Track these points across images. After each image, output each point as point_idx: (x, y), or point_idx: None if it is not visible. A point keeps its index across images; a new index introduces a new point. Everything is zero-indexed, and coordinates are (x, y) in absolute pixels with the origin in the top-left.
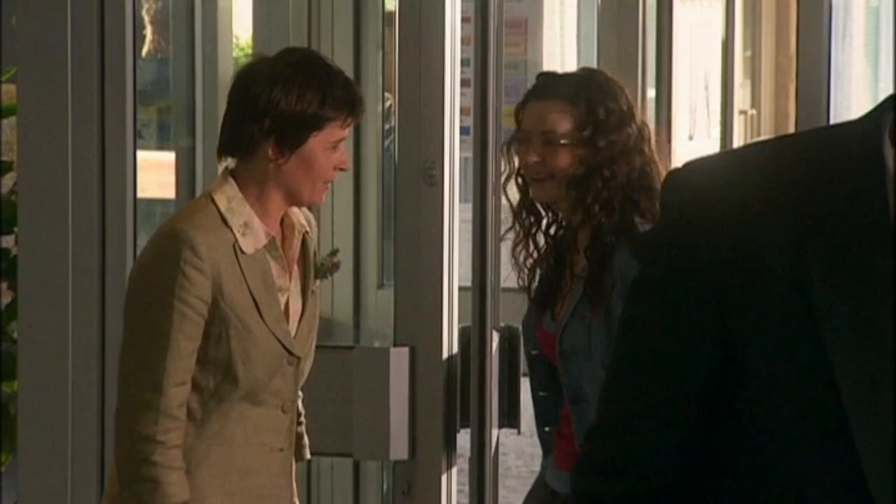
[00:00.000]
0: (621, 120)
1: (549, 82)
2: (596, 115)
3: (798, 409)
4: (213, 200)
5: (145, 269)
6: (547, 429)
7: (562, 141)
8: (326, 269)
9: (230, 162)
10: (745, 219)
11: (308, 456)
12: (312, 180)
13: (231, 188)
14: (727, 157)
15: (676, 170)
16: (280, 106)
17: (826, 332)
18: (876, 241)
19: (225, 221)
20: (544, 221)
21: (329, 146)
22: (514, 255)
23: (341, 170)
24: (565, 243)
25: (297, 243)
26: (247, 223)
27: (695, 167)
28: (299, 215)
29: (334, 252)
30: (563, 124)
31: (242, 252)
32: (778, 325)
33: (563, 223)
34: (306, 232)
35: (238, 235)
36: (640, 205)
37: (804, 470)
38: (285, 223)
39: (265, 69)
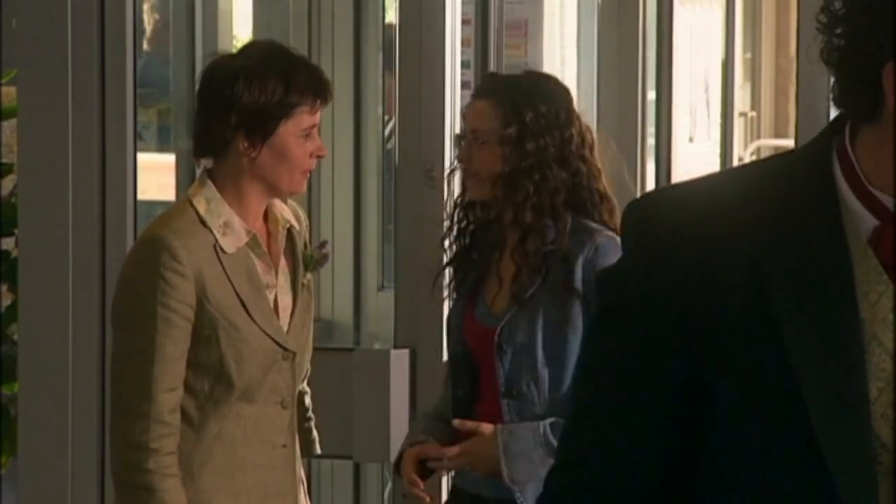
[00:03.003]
0: (554, 124)
1: (486, 83)
2: (522, 117)
3: (766, 426)
4: (191, 204)
5: (127, 277)
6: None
7: (486, 139)
8: (316, 262)
9: (207, 163)
10: (705, 244)
11: (318, 451)
12: (290, 170)
13: (209, 190)
14: (685, 186)
15: (636, 201)
16: (244, 99)
17: (788, 346)
18: (831, 257)
19: (204, 223)
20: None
21: (301, 134)
22: (442, 250)
23: (318, 157)
24: (492, 241)
25: (281, 238)
26: (227, 223)
27: (653, 197)
28: (284, 210)
29: (323, 244)
30: (486, 123)
31: (224, 252)
32: (741, 345)
33: (493, 221)
34: (291, 226)
35: (218, 236)
36: (587, 208)
37: (776, 484)
38: (269, 218)
39: (227, 64)
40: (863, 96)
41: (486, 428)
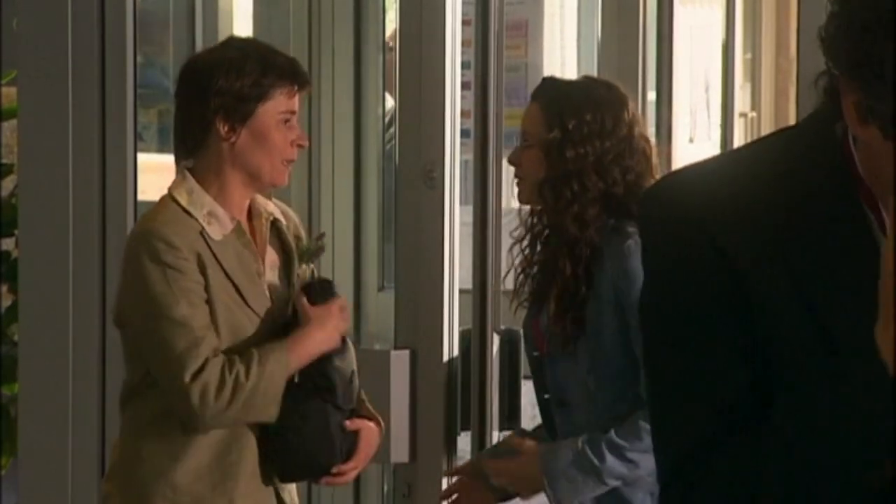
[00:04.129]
0: (597, 132)
1: (540, 86)
2: (565, 123)
3: (802, 344)
4: (172, 198)
5: (131, 275)
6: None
7: (529, 141)
8: (311, 254)
9: (188, 164)
10: (721, 227)
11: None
12: (270, 157)
13: (189, 182)
14: (699, 165)
15: (651, 187)
16: (221, 84)
17: (820, 305)
18: (852, 234)
19: (189, 214)
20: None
21: (280, 118)
22: (510, 254)
23: (299, 146)
24: (552, 245)
25: (265, 230)
26: (210, 212)
27: (669, 179)
28: (268, 204)
29: (320, 236)
30: (532, 125)
31: (211, 239)
32: (781, 305)
33: (547, 226)
34: (276, 219)
35: (204, 224)
36: (631, 210)
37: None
38: (252, 212)
39: (203, 58)
40: (833, 102)
41: (528, 447)
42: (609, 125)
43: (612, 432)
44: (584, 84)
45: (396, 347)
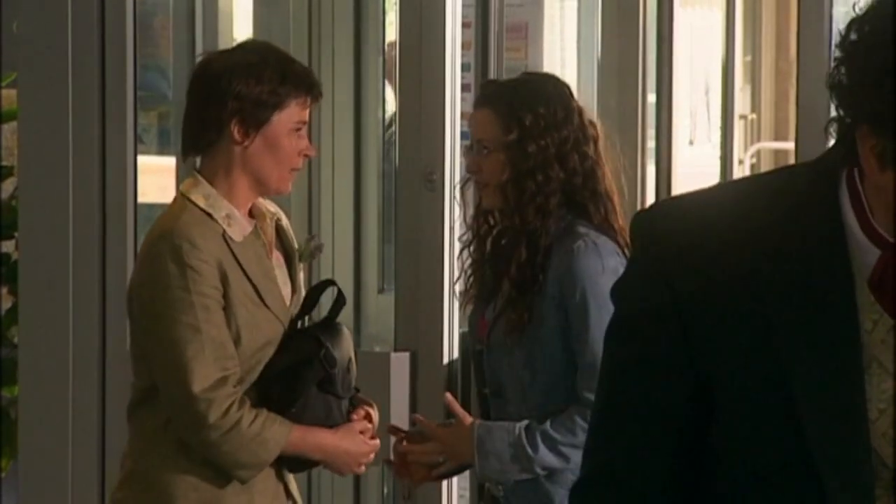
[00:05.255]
0: (553, 123)
1: (485, 91)
2: (521, 121)
3: (765, 445)
4: (190, 200)
5: (151, 278)
6: None
7: (490, 147)
8: (310, 253)
9: (196, 162)
10: (709, 260)
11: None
12: (279, 165)
13: (204, 187)
14: (692, 198)
15: (644, 211)
16: (240, 88)
17: (788, 365)
18: (834, 280)
19: (209, 216)
20: (495, 229)
21: (293, 127)
22: (460, 258)
23: (306, 156)
24: (507, 248)
25: (271, 230)
26: (229, 215)
27: (660, 209)
28: (269, 205)
29: (312, 236)
30: (488, 131)
31: (233, 240)
32: (741, 363)
33: (506, 229)
34: (279, 219)
35: (224, 226)
36: (587, 209)
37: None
38: (255, 214)
39: (222, 59)
40: (846, 146)
41: (467, 420)
42: (561, 115)
43: (548, 424)
44: (527, 80)
45: (396, 349)
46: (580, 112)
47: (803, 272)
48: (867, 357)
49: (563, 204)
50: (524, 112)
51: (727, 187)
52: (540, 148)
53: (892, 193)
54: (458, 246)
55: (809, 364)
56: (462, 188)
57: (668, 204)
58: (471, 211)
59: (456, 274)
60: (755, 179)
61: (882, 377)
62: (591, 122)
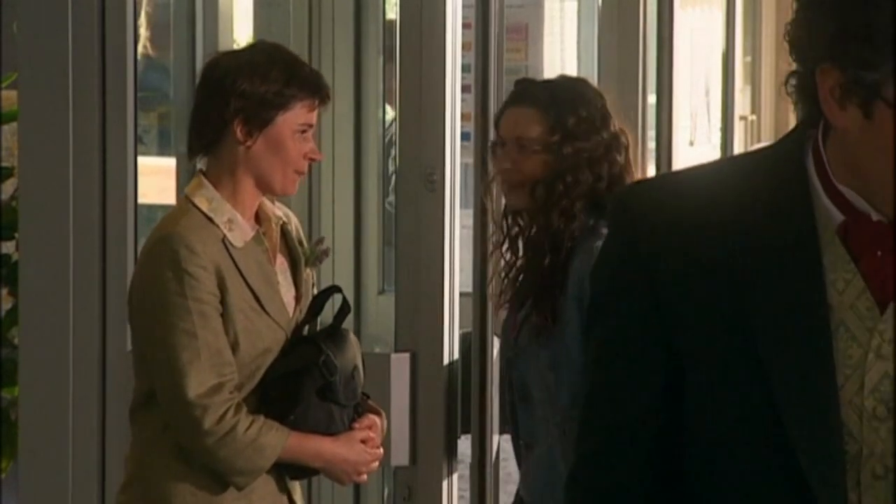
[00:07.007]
0: (591, 128)
1: (525, 89)
2: (565, 122)
3: (735, 414)
4: (193, 204)
5: (149, 282)
6: (521, 442)
7: (533, 147)
8: (316, 258)
9: (201, 163)
10: (681, 235)
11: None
12: (283, 166)
13: (208, 190)
14: (668, 178)
15: (620, 192)
16: (245, 87)
17: (757, 334)
18: (800, 246)
19: (210, 220)
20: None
21: (298, 129)
22: (491, 259)
23: (312, 160)
24: (537, 248)
25: (276, 235)
26: (231, 220)
27: (635, 189)
28: (275, 208)
29: (320, 240)
30: (533, 130)
31: (233, 246)
32: (712, 334)
33: (535, 229)
34: (284, 222)
35: (225, 231)
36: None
37: (745, 470)
38: (261, 216)
39: (229, 58)
40: (806, 103)
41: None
42: (599, 120)
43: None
44: (566, 82)
45: (397, 351)
46: (614, 119)
47: (771, 238)
48: (835, 321)
49: (586, 207)
50: (568, 114)
51: (703, 167)
52: (575, 151)
53: (850, 139)
54: (458, 246)
55: (777, 333)
56: (488, 186)
57: (642, 185)
58: (492, 209)
59: (489, 275)
60: (732, 158)
61: (849, 343)
62: (623, 130)
